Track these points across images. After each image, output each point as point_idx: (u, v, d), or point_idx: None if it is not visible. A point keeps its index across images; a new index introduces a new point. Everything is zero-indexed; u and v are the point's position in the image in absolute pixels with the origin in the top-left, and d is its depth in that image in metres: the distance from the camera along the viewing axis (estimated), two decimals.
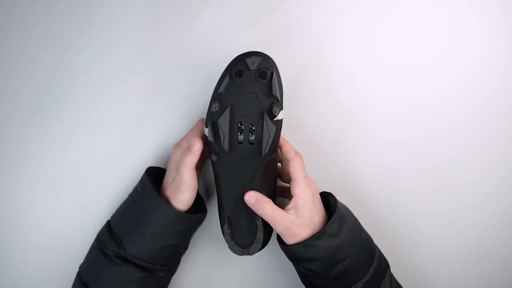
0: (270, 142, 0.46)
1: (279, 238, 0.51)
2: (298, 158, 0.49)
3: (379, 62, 0.56)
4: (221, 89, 0.46)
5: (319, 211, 0.49)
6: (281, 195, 0.54)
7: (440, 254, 0.58)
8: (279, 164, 0.52)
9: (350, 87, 0.56)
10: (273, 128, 0.46)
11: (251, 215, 0.49)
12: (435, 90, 0.57)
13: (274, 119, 0.46)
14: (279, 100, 0.46)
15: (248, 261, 0.57)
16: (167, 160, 0.55)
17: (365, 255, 0.49)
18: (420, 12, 0.56)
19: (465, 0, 0.56)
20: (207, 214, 0.52)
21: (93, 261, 0.51)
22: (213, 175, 0.50)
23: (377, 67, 0.56)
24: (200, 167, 0.54)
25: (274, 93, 0.46)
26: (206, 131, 0.47)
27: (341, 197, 0.52)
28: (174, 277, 0.54)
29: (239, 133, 0.47)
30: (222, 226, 0.51)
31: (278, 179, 0.53)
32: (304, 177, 0.49)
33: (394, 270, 0.52)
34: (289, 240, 0.48)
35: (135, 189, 0.51)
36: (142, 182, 0.51)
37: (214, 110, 0.46)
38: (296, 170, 0.49)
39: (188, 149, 0.47)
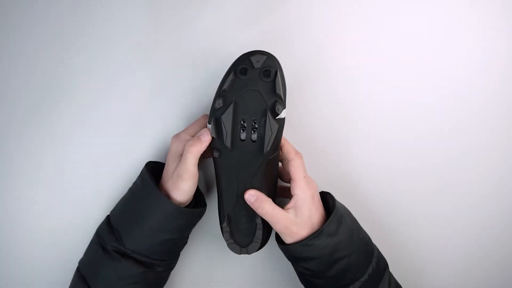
0: (272, 140, 0.46)
1: (277, 238, 0.51)
2: (299, 158, 0.49)
3: (379, 62, 0.56)
4: (225, 86, 0.46)
5: (318, 211, 0.49)
6: (281, 194, 0.54)
7: (440, 254, 0.58)
8: (280, 163, 0.52)
9: (350, 87, 0.56)
10: (275, 126, 0.46)
11: (251, 213, 0.50)
12: (435, 90, 0.57)
13: (276, 118, 0.46)
14: (282, 98, 0.46)
15: (247, 259, 0.57)
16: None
17: (363, 255, 0.49)
18: (420, 12, 0.56)
19: (465, 0, 0.56)
20: (207, 211, 0.52)
21: (92, 256, 0.51)
22: (213, 172, 0.50)
23: (377, 67, 0.56)
24: (199, 163, 0.54)
25: (277, 91, 0.46)
26: (209, 127, 0.47)
27: (341, 197, 0.52)
28: (173, 274, 0.54)
29: (241, 130, 0.47)
30: (221, 224, 0.51)
31: (278, 178, 0.53)
32: (304, 177, 0.49)
33: (394, 270, 0.52)
34: (288, 239, 0.49)
35: (135, 184, 0.51)
36: (141, 176, 0.50)
37: (218, 107, 0.47)
38: (296, 170, 0.49)
39: (198, 138, 0.47)
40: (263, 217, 0.48)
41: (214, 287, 0.57)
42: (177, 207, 0.48)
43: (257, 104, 0.47)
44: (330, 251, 0.48)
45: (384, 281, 0.49)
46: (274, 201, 0.49)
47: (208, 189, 0.57)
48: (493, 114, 0.57)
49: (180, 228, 0.50)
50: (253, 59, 0.46)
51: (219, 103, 0.47)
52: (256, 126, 0.47)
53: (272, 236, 0.53)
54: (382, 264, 0.51)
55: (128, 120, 0.56)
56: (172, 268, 0.53)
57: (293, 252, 0.49)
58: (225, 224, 0.50)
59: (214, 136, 0.47)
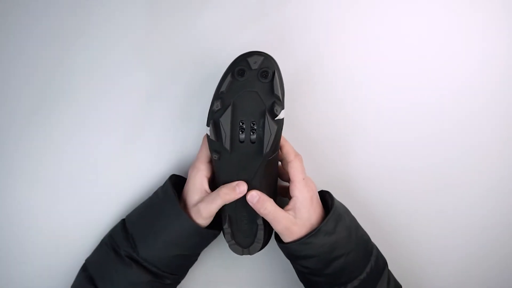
0: (271, 141, 0.46)
1: (276, 237, 0.51)
2: (298, 160, 0.49)
3: (379, 62, 0.56)
4: (223, 88, 0.46)
5: (317, 212, 0.49)
6: (281, 194, 0.54)
7: (440, 254, 0.58)
8: (279, 163, 0.52)
9: (350, 87, 0.56)
10: (274, 127, 0.46)
11: (252, 214, 0.49)
12: (435, 90, 0.57)
13: (275, 118, 0.46)
14: (281, 99, 0.46)
15: (248, 261, 0.57)
16: (167, 160, 0.55)
17: (362, 253, 0.50)
18: (420, 12, 0.56)
19: (465, 0, 0.56)
20: None
21: (102, 258, 0.51)
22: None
23: (377, 67, 0.56)
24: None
25: (275, 92, 0.46)
26: (208, 129, 0.47)
27: (340, 197, 0.52)
28: None
29: (240, 132, 0.47)
30: (222, 225, 0.51)
31: (278, 178, 0.53)
32: (303, 179, 0.49)
33: (393, 270, 0.52)
34: (287, 239, 0.49)
35: (156, 194, 0.52)
36: (164, 189, 0.51)
37: (216, 109, 0.47)
38: (295, 172, 0.49)
39: (234, 189, 0.48)
40: (264, 217, 0.49)
41: None
42: (197, 226, 0.48)
43: (256, 106, 0.46)
44: (328, 249, 0.48)
45: (383, 280, 0.50)
46: (275, 201, 0.49)
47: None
48: (493, 114, 0.57)
49: (195, 246, 0.51)
50: (250, 60, 0.46)
51: (217, 105, 0.46)
52: (255, 127, 0.47)
53: (272, 236, 0.53)
54: (381, 263, 0.51)
55: (128, 120, 0.55)
56: (179, 282, 0.53)
57: (292, 250, 0.49)
58: (226, 225, 0.50)
59: (213, 139, 0.47)
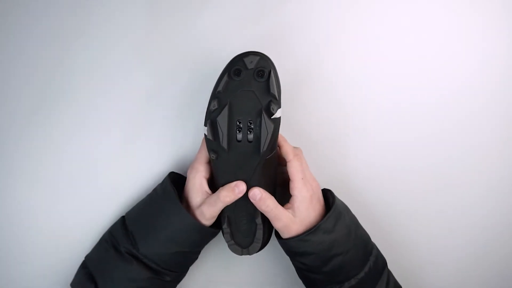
0: (268, 140, 0.46)
1: (276, 233, 0.52)
2: (297, 160, 0.50)
3: (379, 62, 0.56)
4: (219, 88, 0.47)
5: (316, 210, 0.50)
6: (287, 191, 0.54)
7: (440, 254, 0.58)
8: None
9: (350, 87, 0.56)
10: (271, 126, 0.46)
11: (251, 214, 0.50)
12: (435, 90, 0.57)
13: (272, 117, 0.46)
14: (277, 98, 0.47)
15: (248, 261, 0.57)
16: (167, 159, 0.55)
17: (361, 252, 0.50)
18: (420, 12, 0.56)
19: (465, 0, 0.56)
20: None
21: (102, 255, 0.51)
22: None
23: (377, 67, 0.56)
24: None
25: (271, 91, 0.46)
26: (205, 129, 0.47)
27: (340, 197, 0.52)
28: None
29: (237, 131, 0.47)
30: (221, 225, 0.51)
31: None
32: (302, 178, 0.49)
33: (393, 270, 0.52)
34: (285, 236, 0.49)
35: (155, 191, 0.52)
36: (163, 186, 0.51)
37: (213, 109, 0.47)
38: (293, 171, 0.49)
39: (232, 190, 0.48)
40: (266, 214, 0.49)
41: None
42: (198, 223, 0.49)
43: (252, 105, 0.47)
44: (327, 247, 0.48)
45: (382, 280, 0.50)
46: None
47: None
48: (493, 114, 0.57)
49: (195, 243, 0.51)
50: (247, 60, 0.46)
51: (214, 104, 0.47)
52: (252, 126, 0.47)
53: (272, 237, 0.53)
54: (380, 263, 0.51)
55: (128, 120, 0.56)
56: (179, 280, 0.53)
57: (290, 247, 0.50)
58: (225, 226, 0.50)
59: (211, 138, 0.47)
